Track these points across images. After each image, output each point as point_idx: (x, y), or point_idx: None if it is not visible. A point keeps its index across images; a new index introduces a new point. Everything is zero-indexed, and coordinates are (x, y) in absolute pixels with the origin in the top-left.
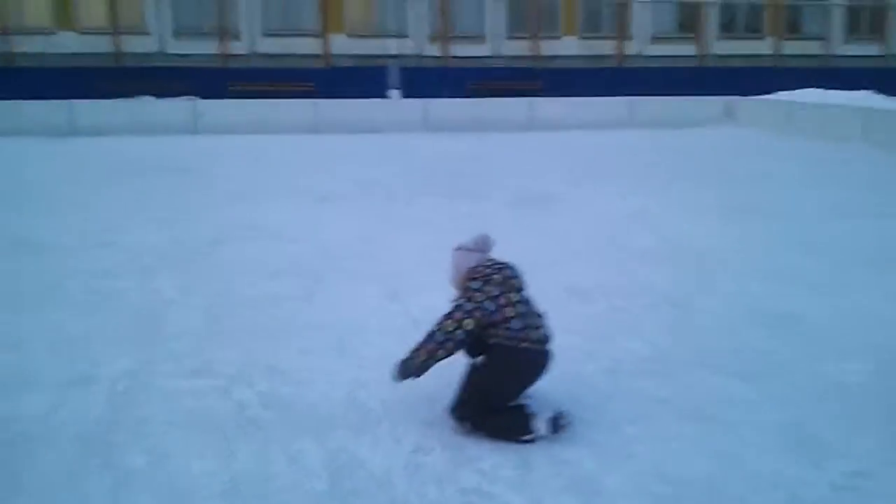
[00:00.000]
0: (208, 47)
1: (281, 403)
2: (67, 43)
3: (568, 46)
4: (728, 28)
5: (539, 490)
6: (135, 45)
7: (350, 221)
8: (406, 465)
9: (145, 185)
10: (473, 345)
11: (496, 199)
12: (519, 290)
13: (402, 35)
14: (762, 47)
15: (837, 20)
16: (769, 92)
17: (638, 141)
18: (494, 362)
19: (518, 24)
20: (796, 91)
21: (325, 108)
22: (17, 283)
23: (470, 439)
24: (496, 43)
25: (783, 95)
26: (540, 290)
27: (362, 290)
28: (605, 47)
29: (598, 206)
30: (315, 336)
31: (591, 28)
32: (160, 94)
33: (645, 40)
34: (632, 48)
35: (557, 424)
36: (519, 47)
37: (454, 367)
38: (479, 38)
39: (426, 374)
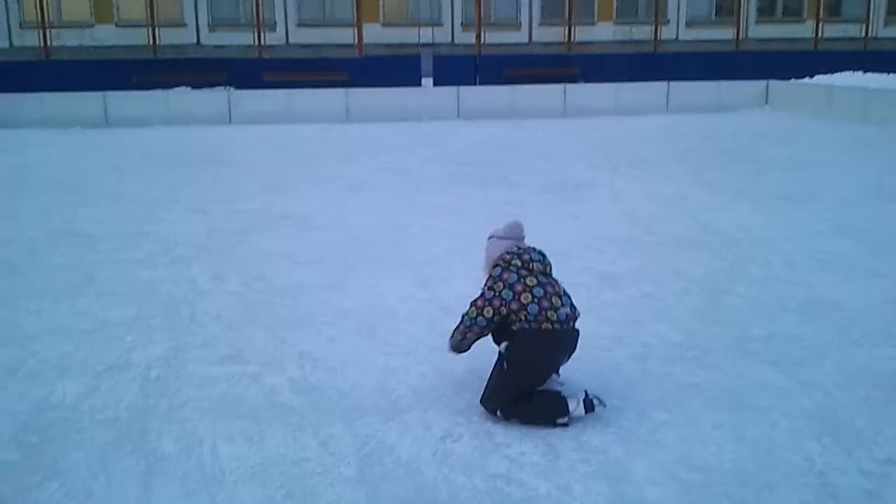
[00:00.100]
0: (243, 38)
1: (311, 390)
2: (105, 36)
3: (603, 32)
4: (766, 12)
5: (567, 476)
6: (171, 37)
7: (381, 210)
8: (435, 452)
9: (180, 175)
10: (499, 331)
11: (529, 187)
12: (541, 273)
13: (435, 23)
14: (801, 31)
15: (879, 1)
16: (808, 76)
17: (674, 126)
18: (517, 347)
19: (552, 11)
20: (836, 74)
21: (358, 96)
22: (54, 272)
23: (499, 426)
24: (530, 29)
25: (822, 79)
26: (571, 277)
27: (392, 278)
28: (641, 33)
29: (632, 192)
30: (345, 323)
31: (627, 13)
32: (195, 85)
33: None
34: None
35: (589, 404)
36: (553, 34)
37: (483, 356)
38: (513, 24)
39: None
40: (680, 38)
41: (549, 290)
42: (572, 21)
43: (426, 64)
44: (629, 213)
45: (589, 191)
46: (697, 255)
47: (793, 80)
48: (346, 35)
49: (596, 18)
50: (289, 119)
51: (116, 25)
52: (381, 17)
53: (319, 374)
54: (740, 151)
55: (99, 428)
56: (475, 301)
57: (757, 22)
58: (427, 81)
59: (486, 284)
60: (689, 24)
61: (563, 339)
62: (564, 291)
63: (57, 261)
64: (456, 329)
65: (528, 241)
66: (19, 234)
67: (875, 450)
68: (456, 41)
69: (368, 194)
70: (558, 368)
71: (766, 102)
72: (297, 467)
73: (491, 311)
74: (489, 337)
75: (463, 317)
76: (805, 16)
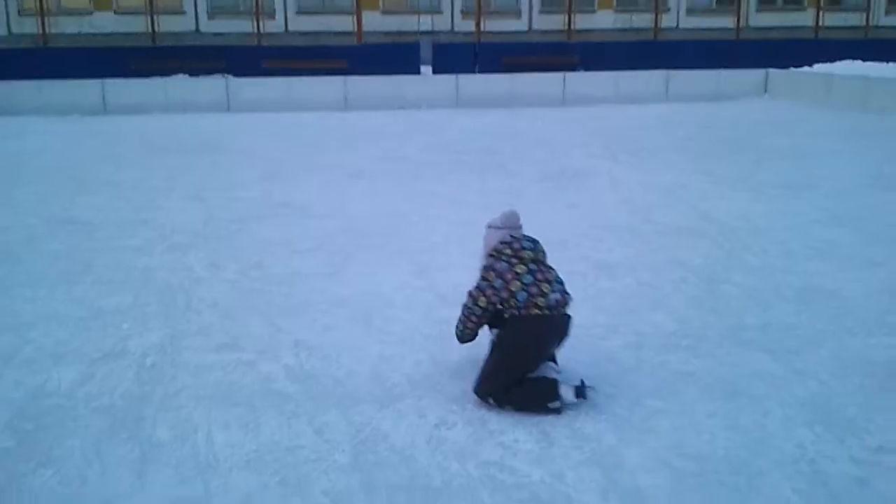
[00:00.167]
0: (242, 26)
1: (307, 377)
2: (103, 23)
3: (603, 20)
4: (767, 0)
5: (560, 463)
6: (170, 24)
7: (379, 198)
8: (429, 440)
9: (177, 162)
10: (495, 320)
11: (527, 175)
12: (531, 260)
13: (435, 11)
14: (802, 19)
15: None
16: (808, 65)
17: (673, 115)
18: (507, 333)
19: None
20: (835, 63)
21: (357, 84)
22: (51, 259)
23: (493, 414)
24: (530, 17)
25: (821, 67)
26: (568, 266)
27: (390, 266)
28: (641, 21)
29: (630, 181)
30: (342, 311)
31: (627, 1)
32: (194, 73)
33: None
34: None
35: (581, 391)
36: (553, 22)
37: (478, 345)
38: (513, 12)
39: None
40: (680, 26)
41: (539, 276)
42: (572, 9)
43: (425, 52)
44: (627, 201)
45: (587, 179)
46: (695, 243)
47: (792, 69)
48: (345, 23)
49: (596, 6)
50: (287, 107)
51: (115, 13)
52: (380, 5)
53: (315, 362)
54: (739, 140)
55: (94, 415)
56: (470, 291)
57: (757, 10)
58: (426, 69)
59: (480, 275)
60: (689, 12)
61: (553, 324)
62: (557, 278)
63: (54, 248)
64: (458, 320)
65: (526, 230)
66: (17, 221)
67: (867, 438)
68: (455, 29)
69: (367, 182)
70: (553, 355)
71: (766, 91)
72: (292, 454)
73: (484, 301)
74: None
75: (463, 307)
76: (805, 4)
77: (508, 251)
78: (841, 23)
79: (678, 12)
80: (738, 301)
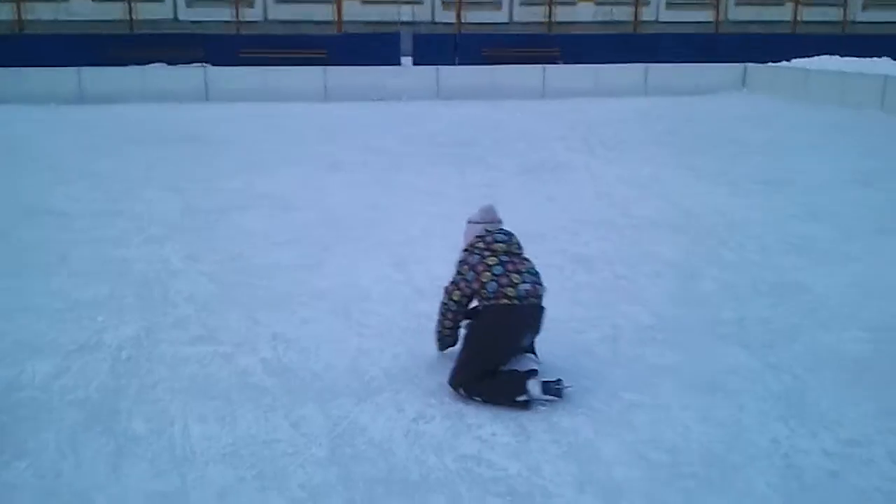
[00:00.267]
0: (221, 14)
1: (284, 370)
2: (80, 10)
3: (584, 12)
4: None
5: (537, 457)
6: (148, 12)
7: (359, 190)
8: (406, 433)
9: (155, 153)
10: (471, 314)
11: (507, 168)
12: (503, 252)
13: (415, 1)
14: (780, 13)
15: None
16: (786, 59)
17: (652, 108)
18: (477, 322)
19: None
20: (813, 58)
21: (336, 74)
22: (25, 250)
23: (470, 408)
24: (511, 9)
25: (799, 62)
26: (545, 259)
27: (369, 259)
28: (621, 13)
29: (608, 174)
30: (320, 304)
31: None
32: (172, 62)
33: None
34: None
35: (549, 388)
36: (533, 13)
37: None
38: (493, 4)
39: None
40: (660, 19)
41: (510, 267)
42: (553, 1)
43: (406, 42)
44: (605, 195)
45: (566, 172)
46: (672, 238)
47: (771, 63)
48: (325, 11)
49: None
50: (267, 97)
51: (92, 0)
52: None
53: (292, 355)
54: (717, 134)
55: (69, 408)
56: (446, 287)
57: (736, 4)
58: (406, 60)
59: (456, 269)
60: (668, 5)
61: (523, 314)
62: (529, 270)
63: (30, 239)
64: (436, 322)
65: (505, 223)
66: None
67: (839, 431)
68: (436, 20)
69: (346, 174)
70: (531, 346)
71: (744, 85)
72: (269, 448)
73: (458, 294)
74: None
75: (440, 305)
76: None
77: (481, 245)
78: (819, 18)
79: (658, 5)
80: (714, 295)
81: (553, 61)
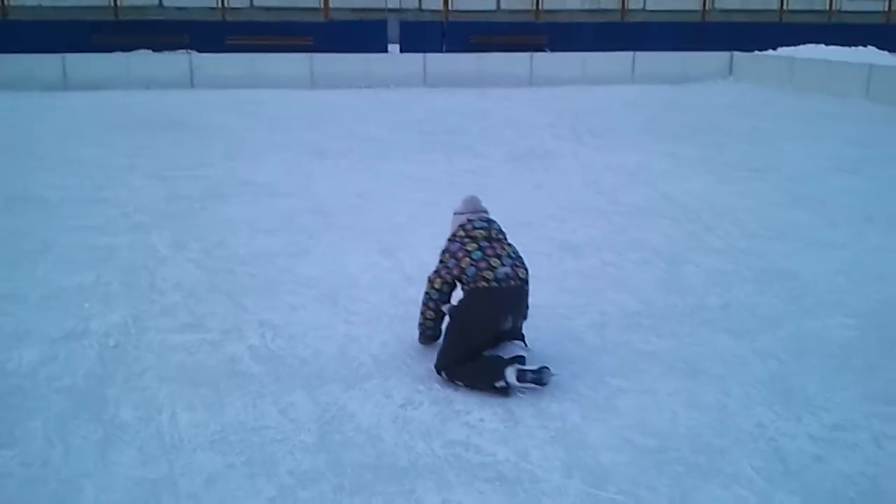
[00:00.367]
0: (206, 1)
1: (272, 357)
2: None
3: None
4: None
5: (525, 442)
6: None
7: (345, 177)
8: (395, 419)
9: (140, 140)
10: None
11: (494, 156)
12: (483, 238)
13: None
14: (766, 2)
15: None
16: (772, 47)
17: (639, 96)
18: (458, 307)
19: None
20: (798, 46)
21: (323, 62)
22: (10, 238)
23: (458, 394)
24: None
25: (785, 51)
26: (533, 246)
27: (356, 246)
28: (608, 1)
29: (596, 162)
30: (307, 291)
31: None
32: (157, 48)
33: None
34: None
35: (525, 376)
36: (521, 1)
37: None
38: None
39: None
40: (647, 7)
41: (489, 252)
42: None
43: (393, 29)
44: (592, 182)
45: (553, 160)
46: (658, 224)
47: (757, 52)
48: None
49: None
50: (252, 84)
51: None
52: None
53: (280, 342)
54: (704, 122)
55: (56, 396)
56: (429, 276)
57: None
58: (393, 47)
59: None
60: None
61: (501, 296)
62: (510, 254)
63: (14, 226)
64: (419, 314)
65: (492, 211)
66: None
67: (824, 416)
68: (423, 7)
69: (333, 161)
70: (520, 333)
71: (731, 74)
72: (257, 435)
73: (440, 282)
74: None
75: (423, 296)
76: None
77: (461, 233)
78: (805, 6)
79: None
80: (700, 281)
81: (541, 49)
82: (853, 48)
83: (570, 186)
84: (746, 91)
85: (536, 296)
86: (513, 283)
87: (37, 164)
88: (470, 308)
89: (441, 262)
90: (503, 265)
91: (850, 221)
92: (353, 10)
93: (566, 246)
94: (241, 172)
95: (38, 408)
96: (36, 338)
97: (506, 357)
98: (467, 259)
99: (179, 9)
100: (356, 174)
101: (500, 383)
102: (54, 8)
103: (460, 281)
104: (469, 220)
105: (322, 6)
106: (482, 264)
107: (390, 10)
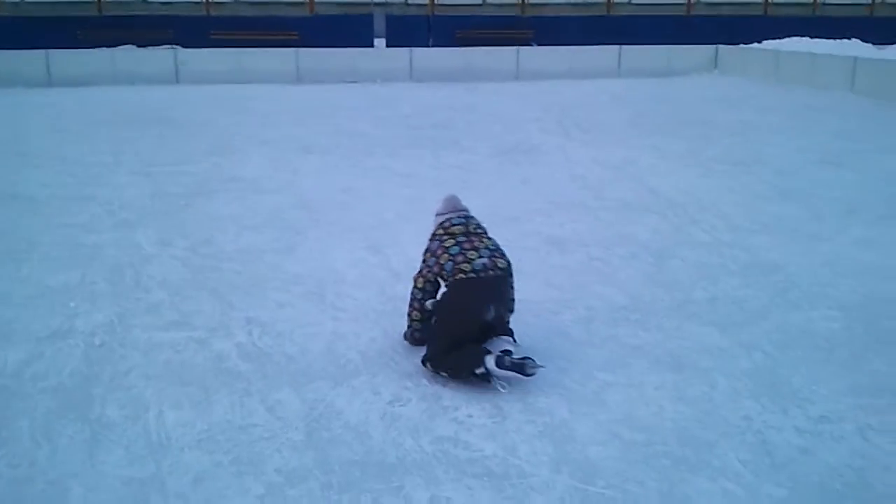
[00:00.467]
0: None
1: (259, 355)
2: None
3: None
4: None
5: (513, 437)
6: None
7: (332, 173)
8: (383, 416)
9: (124, 136)
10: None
11: (481, 151)
12: (461, 234)
13: None
14: None
15: None
16: (757, 41)
17: (625, 91)
18: (439, 302)
19: None
20: (783, 39)
21: (309, 56)
22: None
23: (446, 390)
24: None
25: (770, 44)
26: (520, 241)
27: (343, 242)
28: None
29: (582, 157)
30: (294, 288)
31: None
32: (141, 44)
33: None
34: None
35: (503, 362)
36: None
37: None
38: None
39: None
40: (633, 0)
41: (466, 245)
42: None
43: (379, 24)
44: (579, 177)
45: (540, 155)
46: (645, 219)
47: (742, 45)
48: None
49: None
50: (238, 79)
51: None
52: None
53: (267, 340)
54: (690, 116)
55: (42, 395)
56: (413, 276)
57: None
58: (380, 42)
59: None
60: None
61: (480, 285)
62: (489, 246)
63: None
64: (406, 316)
65: (479, 206)
66: None
67: (810, 408)
68: (409, 1)
69: (319, 157)
70: (508, 329)
71: (716, 67)
72: (245, 433)
73: (422, 281)
74: None
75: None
76: None
77: (440, 231)
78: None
79: None
80: (686, 275)
81: (527, 43)
82: (837, 41)
83: (556, 181)
84: (732, 84)
85: (523, 291)
86: (491, 273)
87: (21, 161)
88: (451, 300)
89: (423, 261)
90: (481, 257)
91: (835, 214)
92: (339, 4)
93: (553, 241)
94: (226, 169)
95: (24, 408)
96: (21, 337)
97: (482, 346)
98: (445, 255)
99: (164, 3)
100: (343, 170)
101: (480, 370)
102: (38, 4)
103: (441, 277)
104: (448, 219)
105: (307, 0)
106: (459, 258)
107: (376, 5)
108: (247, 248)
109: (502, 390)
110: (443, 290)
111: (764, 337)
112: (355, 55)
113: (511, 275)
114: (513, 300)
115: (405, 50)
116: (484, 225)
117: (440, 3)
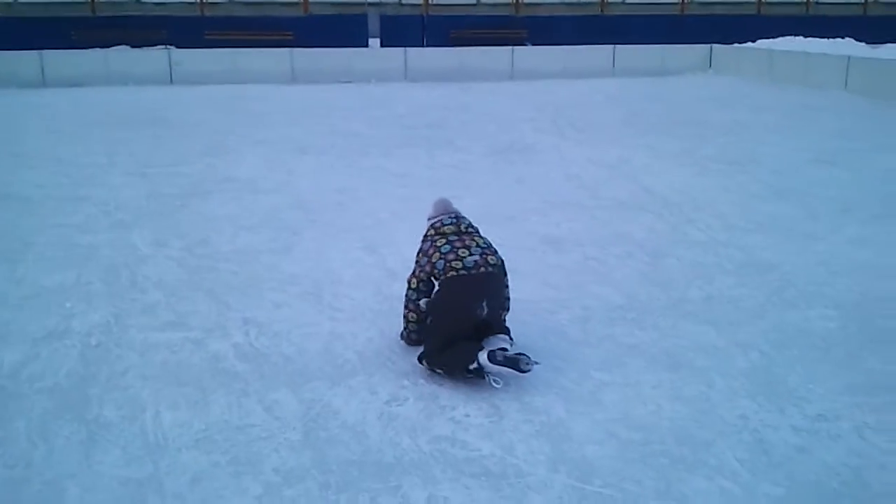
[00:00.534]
0: None
1: (256, 355)
2: None
3: None
4: None
5: (510, 437)
6: None
7: (327, 173)
8: (380, 416)
9: (119, 136)
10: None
11: (475, 150)
12: (452, 233)
13: None
14: None
15: None
16: (751, 40)
17: (619, 90)
18: (432, 301)
19: None
20: (777, 39)
21: (303, 57)
22: None
23: (444, 389)
24: None
25: (764, 43)
26: (516, 241)
27: (339, 242)
28: None
29: (577, 156)
30: (291, 288)
31: None
32: (135, 44)
33: None
34: None
35: (495, 356)
36: None
37: None
38: None
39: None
40: (627, 0)
41: (457, 244)
42: None
43: (373, 24)
44: (574, 176)
45: (535, 154)
46: (640, 218)
47: (736, 45)
48: None
49: None
50: (232, 79)
51: None
52: None
53: (264, 340)
54: (684, 115)
55: (38, 396)
56: (407, 278)
57: None
58: (374, 42)
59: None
60: None
61: (471, 282)
62: (480, 244)
63: None
64: (402, 317)
65: (474, 205)
66: None
67: (807, 407)
68: (403, 1)
69: (314, 157)
70: (504, 328)
71: (710, 66)
72: (242, 433)
73: (415, 281)
74: None
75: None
76: None
77: (432, 231)
78: None
79: None
80: (682, 274)
81: (521, 43)
82: (831, 40)
83: (551, 180)
84: (726, 83)
85: (519, 290)
86: (482, 269)
87: (15, 162)
88: (443, 298)
89: (416, 262)
90: (472, 255)
91: (830, 213)
92: (333, 4)
93: (549, 240)
94: (222, 169)
95: (20, 408)
96: (17, 338)
97: (475, 343)
98: (437, 254)
99: (157, 4)
100: (338, 170)
101: (473, 365)
102: (31, 5)
103: (434, 276)
104: (439, 219)
105: (302, 0)
106: (451, 256)
107: (370, 5)
108: (243, 248)
109: (496, 386)
110: (436, 288)
111: (760, 336)
112: (350, 55)
113: (504, 273)
114: (508, 298)
115: (399, 50)
116: (477, 224)
117: (434, 2)
